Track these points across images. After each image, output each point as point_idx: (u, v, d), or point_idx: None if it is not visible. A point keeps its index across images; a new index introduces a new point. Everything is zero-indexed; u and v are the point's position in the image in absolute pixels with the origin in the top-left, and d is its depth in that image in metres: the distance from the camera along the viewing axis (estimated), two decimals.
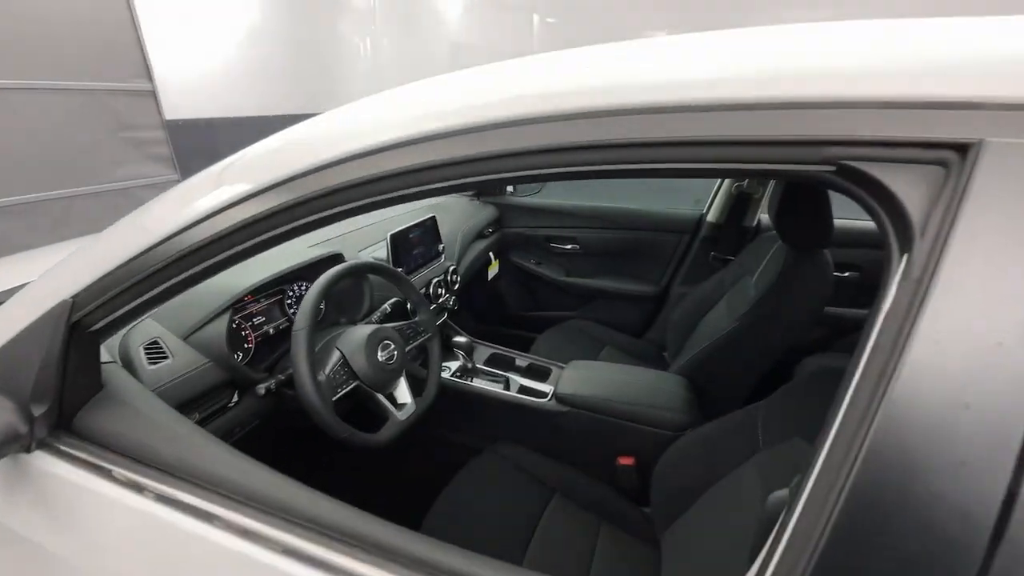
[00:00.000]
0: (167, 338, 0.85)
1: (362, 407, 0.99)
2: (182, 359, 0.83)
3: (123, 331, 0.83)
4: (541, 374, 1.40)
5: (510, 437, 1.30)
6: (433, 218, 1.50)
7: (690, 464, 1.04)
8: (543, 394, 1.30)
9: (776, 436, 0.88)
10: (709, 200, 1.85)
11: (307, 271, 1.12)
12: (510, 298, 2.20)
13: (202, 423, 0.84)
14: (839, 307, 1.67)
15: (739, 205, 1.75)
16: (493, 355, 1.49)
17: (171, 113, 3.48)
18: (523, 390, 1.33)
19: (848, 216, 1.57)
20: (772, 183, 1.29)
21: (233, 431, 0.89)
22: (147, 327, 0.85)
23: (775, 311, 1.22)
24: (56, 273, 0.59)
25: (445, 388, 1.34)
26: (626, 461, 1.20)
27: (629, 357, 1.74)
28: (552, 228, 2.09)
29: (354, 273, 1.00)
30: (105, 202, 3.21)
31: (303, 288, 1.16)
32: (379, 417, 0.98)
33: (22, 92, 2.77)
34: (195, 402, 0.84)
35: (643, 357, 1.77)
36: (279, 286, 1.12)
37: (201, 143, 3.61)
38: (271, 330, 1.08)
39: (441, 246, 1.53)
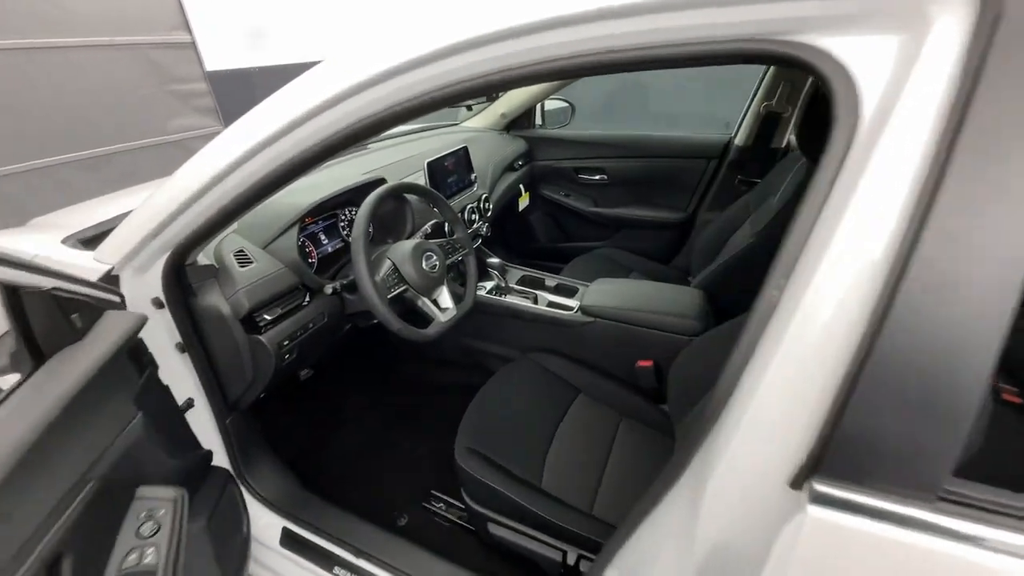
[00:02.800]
0: (250, 248, 1.02)
1: (412, 311, 1.15)
2: (263, 264, 1.00)
3: (216, 241, 1.00)
4: (568, 291, 1.53)
5: (540, 347, 1.45)
6: (465, 148, 1.60)
7: (701, 361, 1.16)
8: (569, 308, 1.43)
9: None
10: (738, 123, 1.84)
11: (355, 195, 1.26)
12: (540, 230, 2.30)
13: (282, 317, 1.03)
14: None
15: (767, 126, 1.74)
16: (524, 276, 1.61)
17: (212, 64, 3.62)
18: (551, 305, 1.46)
19: None
20: (800, 101, 1.29)
21: (307, 326, 1.07)
22: (232, 239, 1.02)
23: None
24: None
25: (481, 304, 1.49)
26: (645, 364, 1.33)
27: (655, 281, 1.83)
28: (579, 159, 2.13)
29: (399, 192, 1.13)
30: (163, 154, 3.46)
31: (353, 212, 1.31)
32: (425, 319, 1.14)
33: (78, 50, 2.96)
34: (277, 299, 1.01)
35: (668, 282, 1.86)
36: (332, 210, 1.27)
37: (243, 93, 3.77)
38: (329, 248, 1.24)
39: (474, 175, 1.63)
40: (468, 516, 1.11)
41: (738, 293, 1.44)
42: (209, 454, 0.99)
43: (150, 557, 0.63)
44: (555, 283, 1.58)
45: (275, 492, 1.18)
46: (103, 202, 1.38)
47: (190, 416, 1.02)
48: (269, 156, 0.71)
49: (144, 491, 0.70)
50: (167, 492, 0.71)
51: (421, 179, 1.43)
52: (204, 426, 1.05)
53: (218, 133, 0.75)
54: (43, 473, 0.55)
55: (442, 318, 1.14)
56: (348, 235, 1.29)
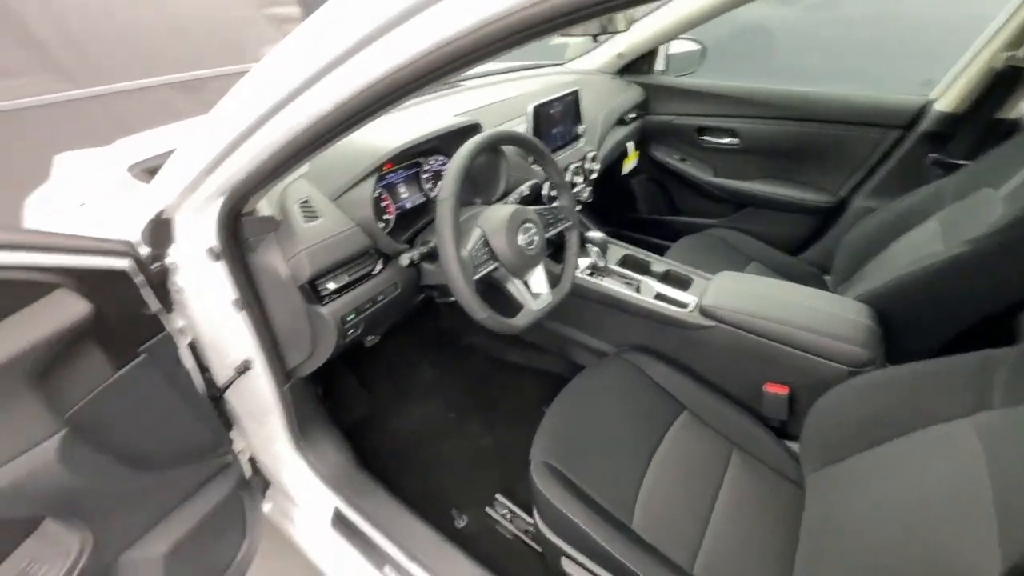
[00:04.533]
0: (317, 198, 0.84)
1: (495, 291, 0.95)
2: (331, 220, 0.83)
3: (280, 189, 0.83)
4: (681, 282, 1.25)
5: (638, 345, 1.21)
6: (576, 93, 1.31)
7: (870, 407, 0.86)
8: (683, 304, 1.16)
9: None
10: (947, 81, 1.37)
11: (444, 142, 1.05)
12: (642, 199, 1.98)
13: (349, 287, 0.86)
14: None
15: (998, 87, 1.26)
16: (626, 257, 1.35)
17: None
18: (659, 297, 1.20)
19: None
20: None
21: (376, 298, 0.91)
22: (300, 186, 0.85)
23: None
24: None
25: (575, 286, 1.26)
26: (777, 389, 1.05)
27: (779, 277, 1.48)
28: (706, 116, 1.75)
29: (498, 142, 0.90)
30: None
31: (439, 162, 1.10)
32: (511, 303, 0.94)
33: None
34: (343, 265, 0.85)
35: (797, 279, 1.50)
36: (415, 158, 1.06)
37: None
38: (408, 204, 1.05)
39: (582, 127, 1.35)
40: (537, 539, 0.94)
41: (919, 316, 1.09)
42: (227, 459, 0.87)
43: None
44: (664, 269, 1.30)
45: (330, 468, 1.08)
46: (191, 125, 1.28)
47: (248, 380, 0.91)
48: (338, 83, 0.51)
49: (49, 521, 0.56)
50: (65, 539, 0.58)
51: (522, 128, 1.18)
52: (262, 390, 0.94)
53: None
54: None
55: (533, 305, 0.92)
56: (431, 190, 1.09)
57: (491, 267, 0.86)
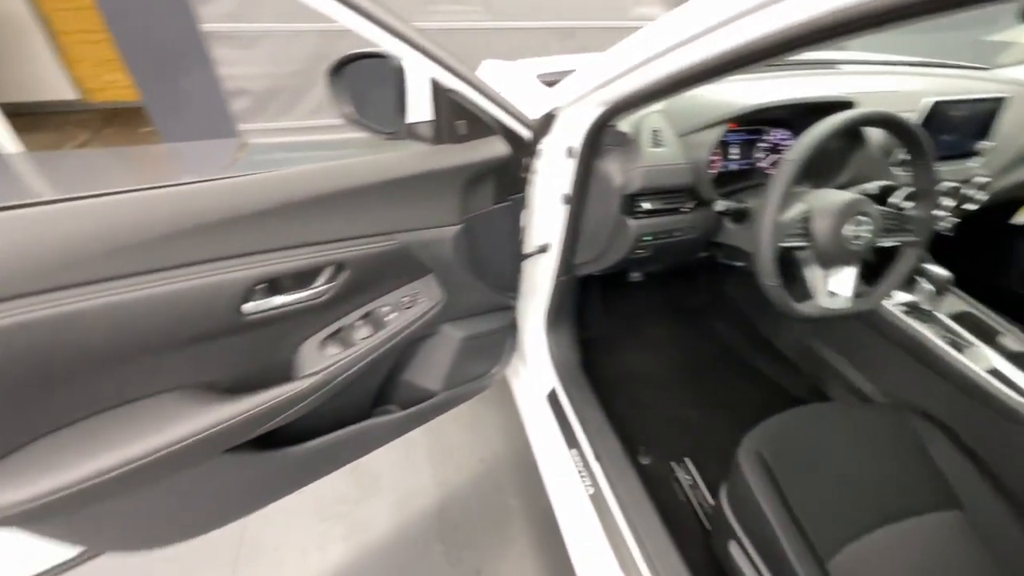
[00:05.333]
0: (666, 131, 0.96)
1: (789, 271, 0.92)
2: (671, 151, 0.94)
3: (640, 115, 0.98)
4: None
5: (924, 411, 0.99)
6: (999, 101, 1.04)
7: None
8: None
9: None
10: None
11: (796, 116, 1.02)
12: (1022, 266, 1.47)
13: (658, 212, 0.97)
14: None
15: None
16: (967, 315, 1.08)
17: None
18: (995, 374, 0.94)
19: None
20: None
21: (673, 232, 1.00)
22: (655, 118, 0.98)
23: None
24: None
25: (878, 315, 1.09)
26: None
27: None
28: None
29: (877, 122, 0.83)
30: (617, 37, 3.80)
31: (780, 135, 1.08)
32: (801, 289, 0.89)
33: None
34: (664, 193, 0.96)
35: None
36: (760, 125, 1.07)
37: None
38: (734, 166, 1.08)
39: (986, 144, 1.08)
40: (712, 517, 0.95)
41: None
42: (511, 304, 1.14)
43: (391, 316, 0.85)
44: (1019, 348, 0.99)
45: (561, 356, 1.29)
46: (573, 59, 1.57)
47: (540, 259, 1.15)
48: (716, 40, 0.58)
49: (433, 275, 0.89)
50: (435, 292, 0.92)
51: None
52: (545, 272, 1.18)
53: None
54: (359, 211, 0.73)
55: (823, 302, 0.87)
56: (759, 160, 1.08)
57: (798, 243, 0.84)
